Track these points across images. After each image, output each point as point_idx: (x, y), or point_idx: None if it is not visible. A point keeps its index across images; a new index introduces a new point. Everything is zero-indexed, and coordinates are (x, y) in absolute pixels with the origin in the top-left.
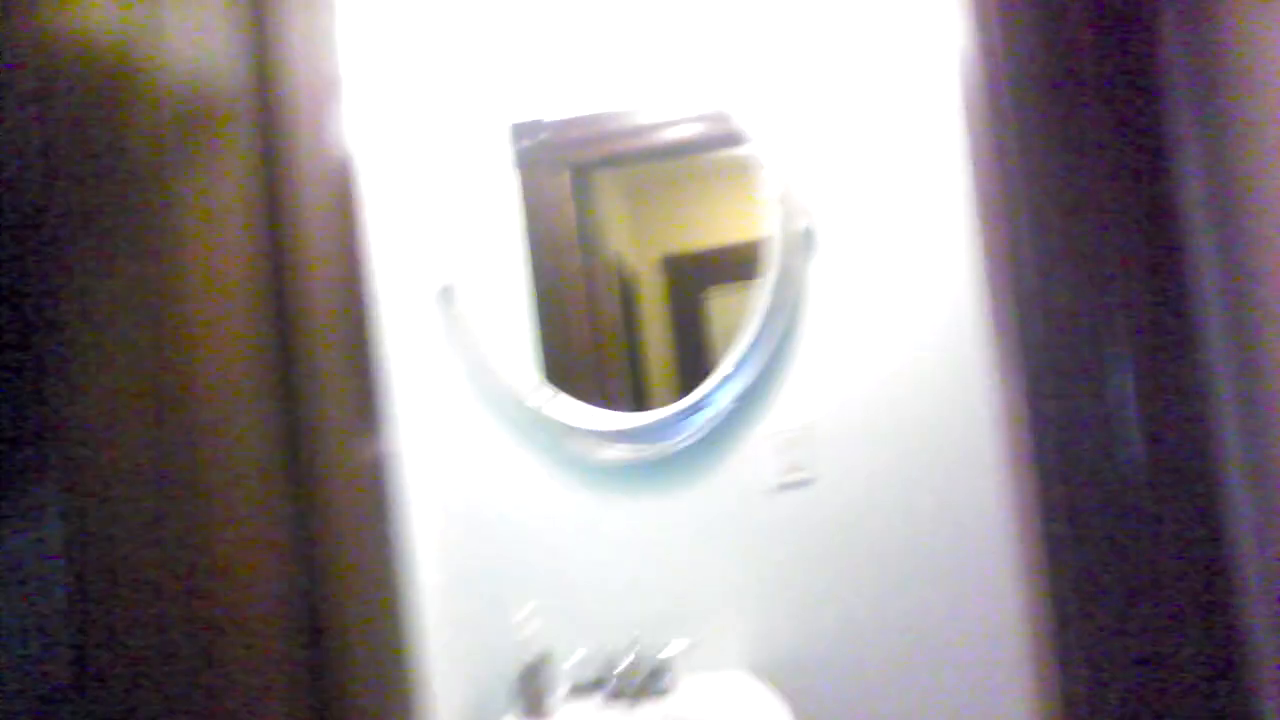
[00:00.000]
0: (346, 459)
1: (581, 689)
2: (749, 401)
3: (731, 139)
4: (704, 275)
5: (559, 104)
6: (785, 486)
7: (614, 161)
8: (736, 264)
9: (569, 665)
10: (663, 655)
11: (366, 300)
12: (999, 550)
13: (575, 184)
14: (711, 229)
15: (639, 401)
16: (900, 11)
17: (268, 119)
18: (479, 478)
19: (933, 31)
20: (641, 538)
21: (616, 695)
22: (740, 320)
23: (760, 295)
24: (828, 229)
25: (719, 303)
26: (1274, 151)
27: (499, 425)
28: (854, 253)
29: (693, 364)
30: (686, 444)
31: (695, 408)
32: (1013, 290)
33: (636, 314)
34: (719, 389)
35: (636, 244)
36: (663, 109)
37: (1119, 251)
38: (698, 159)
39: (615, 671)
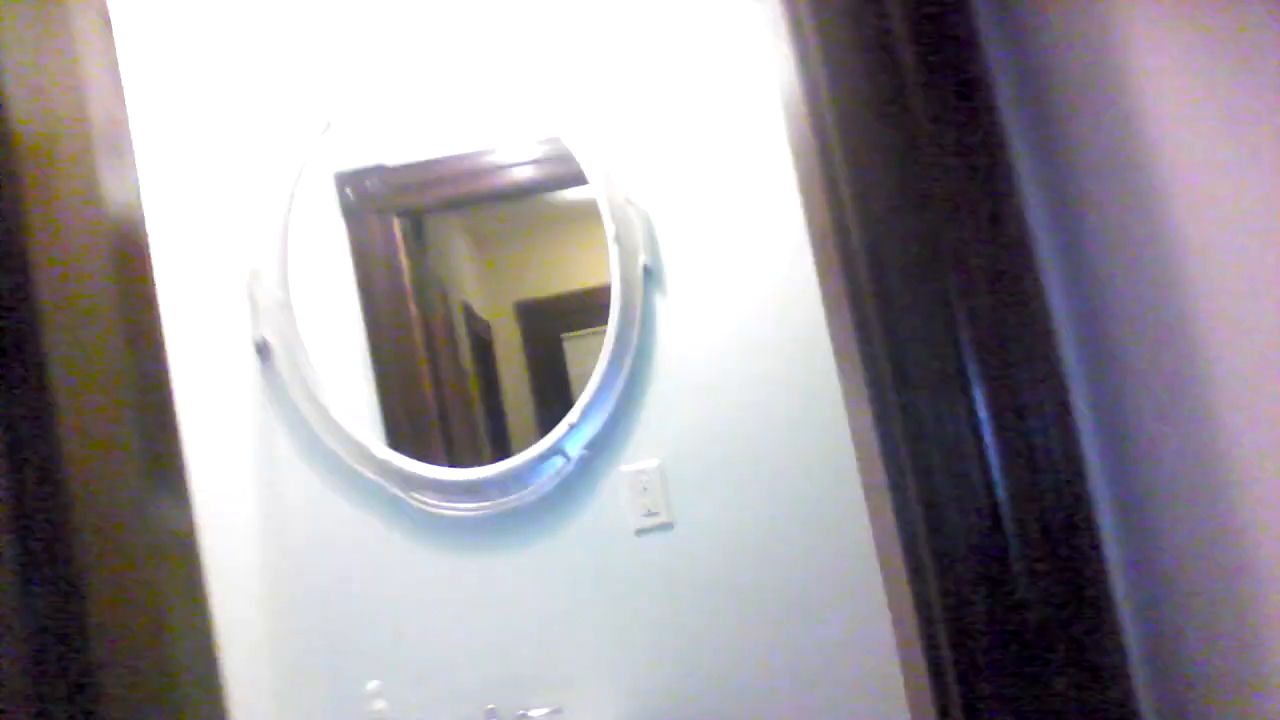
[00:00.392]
0: (130, 530)
1: None
2: (601, 447)
3: (568, 180)
4: (559, 320)
5: (389, 149)
6: (643, 532)
7: (452, 206)
8: (590, 308)
9: None
10: None
11: (155, 362)
12: (870, 587)
13: (409, 231)
14: (564, 273)
15: (490, 453)
16: (730, 51)
17: (10, 169)
18: (314, 544)
19: (763, 67)
20: (495, 597)
21: None
22: (594, 365)
23: (607, 337)
24: (673, 268)
25: (576, 347)
26: (1104, 157)
27: (335, 485)
28: (701, 291)
29: (549, 413)
30: (537, 495)
31: (544, 457)
32: (858, 318)
33: (490, 362)
34: (568, 436)
35: (487, 291)
36: (500, 151)
37: (966, 275)
38: (542, 201)
39: None
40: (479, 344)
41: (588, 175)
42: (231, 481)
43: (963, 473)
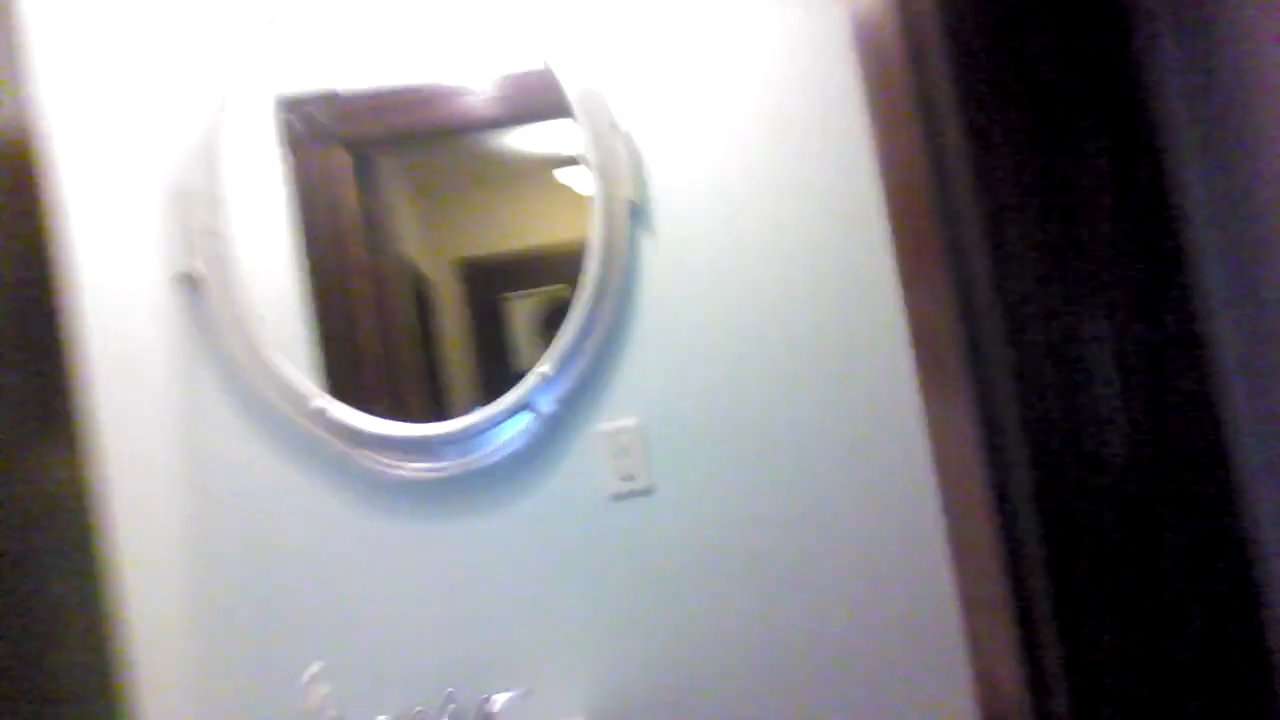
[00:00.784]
0: (19, 484)
1: None
2: (575, 404)
3: (540, 112)
4: (521, 276)
5: (341, 73)
6: (620, 497)
7: (407, 141)
8: (554, 265)
9: None
10: (488, 710)
11: (47, 289)
12: (877, 561)
13: (359, 167)
14: (527, 227)
15: (441, 410)
16: None
17: None
18: (245, 508)
19: None
20: (454, 569)
21: None
22: (559, 316)
23: (586, 280)
24: (663, 206)
25: (533, 301)
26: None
27: (271, 439)
28: (693, 231)
29: (505, 366)
30: (501, 456)
31: (511, 412)
32: (951, 254)
33: (444, 314)
34: (540, 389)
35: (439, 237)
36: (465, 76)
37: (1090, 212)
38: (506, 143)
39: None
40: (426, 292)
41: (566, 93)
42: (147, 431)
43: (1075, 425)
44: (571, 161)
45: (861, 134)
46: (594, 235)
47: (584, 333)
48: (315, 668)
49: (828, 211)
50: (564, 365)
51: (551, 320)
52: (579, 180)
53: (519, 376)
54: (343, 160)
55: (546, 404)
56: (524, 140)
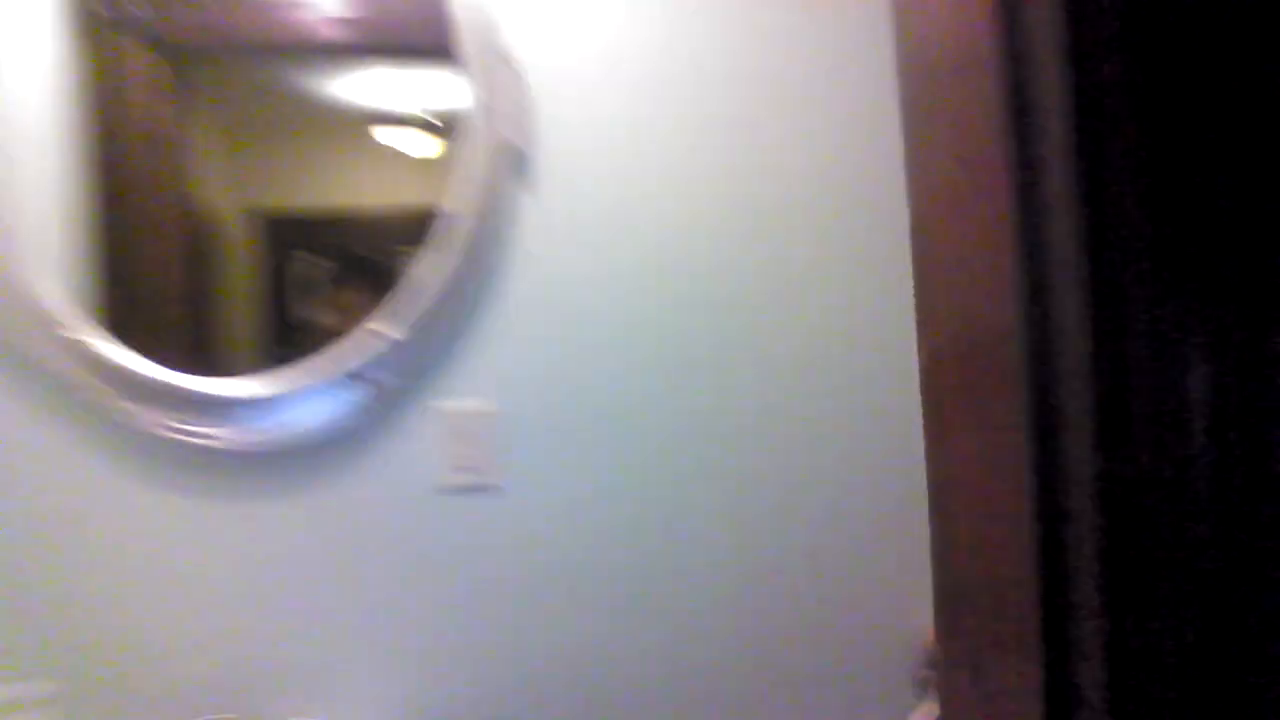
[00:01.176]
0: None
1: None
2: (416, 376)
3: (412, 47)
4: (340, 229)
5: None
6: (460, 491)
7: (234, 55)
8: (397, 222)
9: None
10: None
11: None
12: (814, 600)
13: (169, 74)
14: (368, 176)
15: (243, 370)
16: None
17: None
18: None
19: None
20: (238, 562)
21: None
22: (389, 280)
23: (453, 236)
24: (550, 155)
25: (361, 261)
26: None
27: (15, 382)
28: (582, 187)
29: (321, 328)
30: (312, 429)
31: (330, 381)
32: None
33: (246, 257)
34: (370, 360)
35: (254, 178)
36: None
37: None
38: (358, 74)
39: None
40: (227, 237)
41: (450, 10)
42: None
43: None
44: (401, 120)
45: (835, 50)
46: (465, 183)
47: (440, 296)
48: (48, 688)
49: (776, 156)
50: (412, 333)
51: (382, 283)
52: (418, 139)
53: (328, 340)
54: (150, 61)
55: (378, 374)
56: (369, 85)
